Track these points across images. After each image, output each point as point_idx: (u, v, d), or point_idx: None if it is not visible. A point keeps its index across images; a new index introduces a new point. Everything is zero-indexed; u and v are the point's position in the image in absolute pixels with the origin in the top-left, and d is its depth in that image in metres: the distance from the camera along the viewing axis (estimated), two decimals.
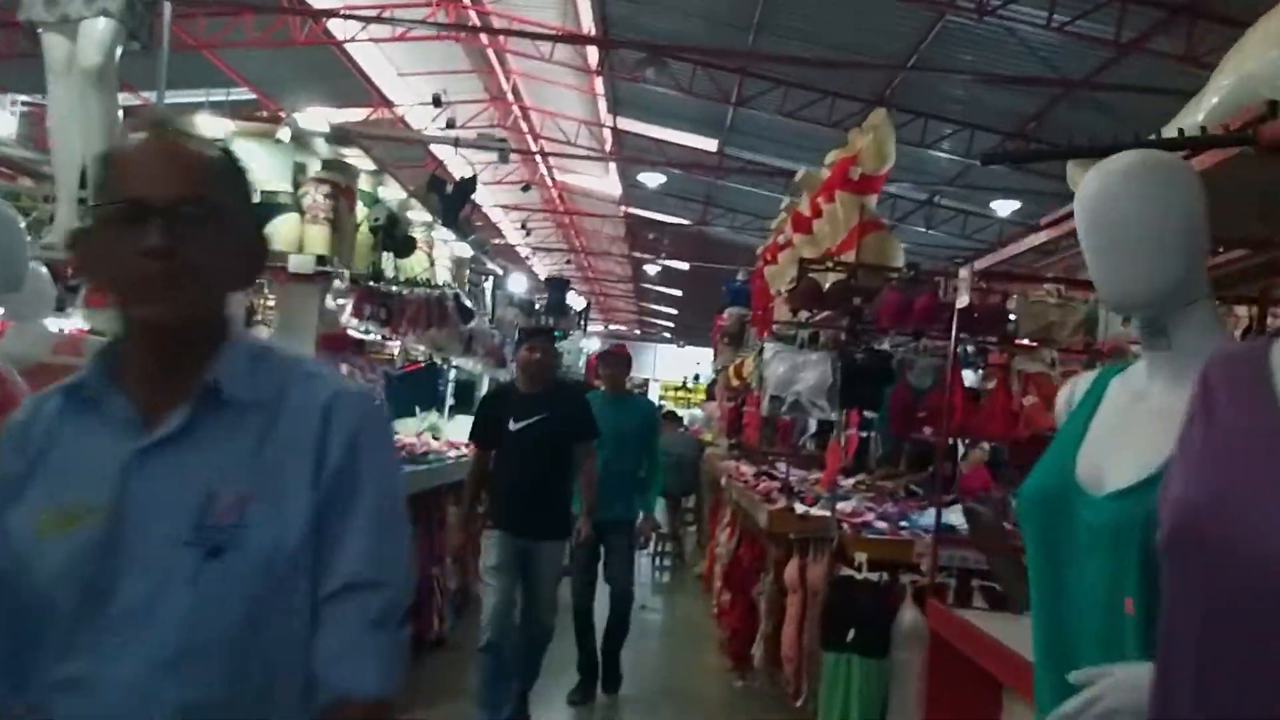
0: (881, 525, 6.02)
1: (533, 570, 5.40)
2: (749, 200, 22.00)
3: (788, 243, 8.01)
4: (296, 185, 6.03)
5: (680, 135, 19.50)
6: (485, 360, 8.61)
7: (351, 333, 6.26)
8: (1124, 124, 13.98)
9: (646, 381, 29.30)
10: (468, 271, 9.59)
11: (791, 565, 5.64)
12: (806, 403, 5.65)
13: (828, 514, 6.07)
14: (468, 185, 8.13)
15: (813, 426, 11.15)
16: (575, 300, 18.07)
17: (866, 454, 9.95)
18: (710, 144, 19.55)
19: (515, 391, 5.66)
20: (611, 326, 40.45)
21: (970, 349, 5.88)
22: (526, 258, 28.37)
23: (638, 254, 29.88)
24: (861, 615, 5.33)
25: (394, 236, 6.22)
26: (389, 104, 19.89)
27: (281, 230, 5.92)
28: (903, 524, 6.20)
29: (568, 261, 29.01)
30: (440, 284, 6.58)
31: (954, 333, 4.86)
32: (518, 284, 12.47)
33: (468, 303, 7.52)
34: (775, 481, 8.82)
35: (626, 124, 20.13)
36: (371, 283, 6.24)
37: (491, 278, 10.74)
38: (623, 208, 25.42)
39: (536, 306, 14.83)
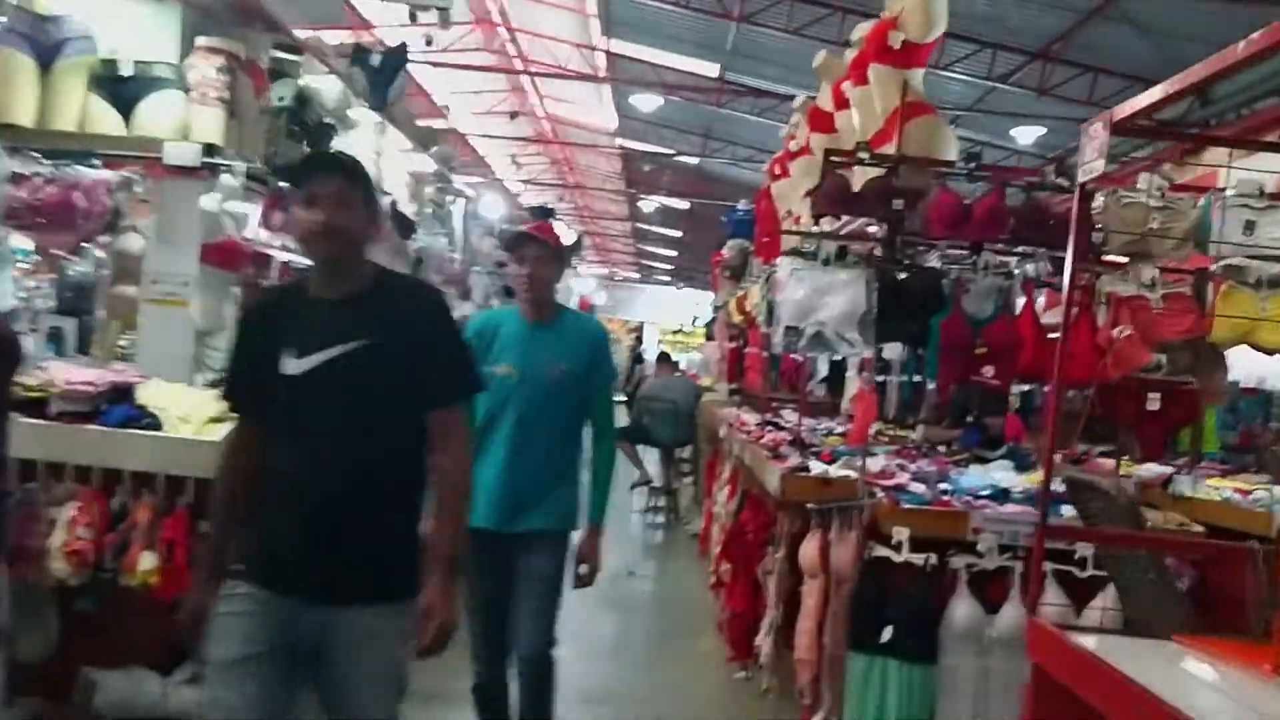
0: (919, 489, 4.76)
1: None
2: (752, 131, 20.51)
3: (802, 149, 6.67)
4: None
5: (678, 59, 18.00)
6: (446, 289, 7.28)
7: (258, 247, 4.95)
8: (1161, 44, 12.62)
9: (642, 325, 28.01)
10: (428, 190, 8.24)
11: (809, 542, 4.38)
12: (832, 335, 4.36)
13: (854, 475, 4.82)
14: (397, 56, 6.76)
15: (823, 369, 9.90)
16: (564, 232, 16.71)
17: (883, 399, 8.84)
18: (711, 68, 18.07)
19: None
20: (609, 270, 39.09)
21: (1045, 266, 4.59)
22: (518, 195, 26.91)
23: (634, 191, 28.46)
24: (901, 609, 4.10)
25: (304, 123, 4.89)
26: (367, 25, 18.35)
27: (159, 111, 4.60)
28: (942, 486, 4.95)
29: (560, 198, 27.54)
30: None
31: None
32: (493, 208, 11.09)
33: (407, 213, 6.22)
34: (783, 432, 7.57)
35: (621, 47, 18.62)
36: (286, 185, 4.90)
37: (461, 200, 9.38)
38: (618, 140, 23.92)
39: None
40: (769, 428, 7.85)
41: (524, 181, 25.70)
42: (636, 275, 39.43)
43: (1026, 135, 16.62)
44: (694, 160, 24.27)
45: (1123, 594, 2.79)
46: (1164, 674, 2.28)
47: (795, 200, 7.09)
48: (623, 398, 23.30)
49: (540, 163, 27.10)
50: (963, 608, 4.07)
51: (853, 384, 9.17)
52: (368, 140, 6.97)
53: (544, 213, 15.21)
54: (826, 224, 4.86)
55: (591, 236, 32.35)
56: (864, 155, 4.43)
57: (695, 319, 24.20)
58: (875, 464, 5.51)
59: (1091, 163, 2.52)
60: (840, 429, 8.55)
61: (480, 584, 3.76)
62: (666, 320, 29.61)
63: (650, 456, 10.78)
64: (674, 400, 10.21)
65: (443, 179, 8.88)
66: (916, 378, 8.82)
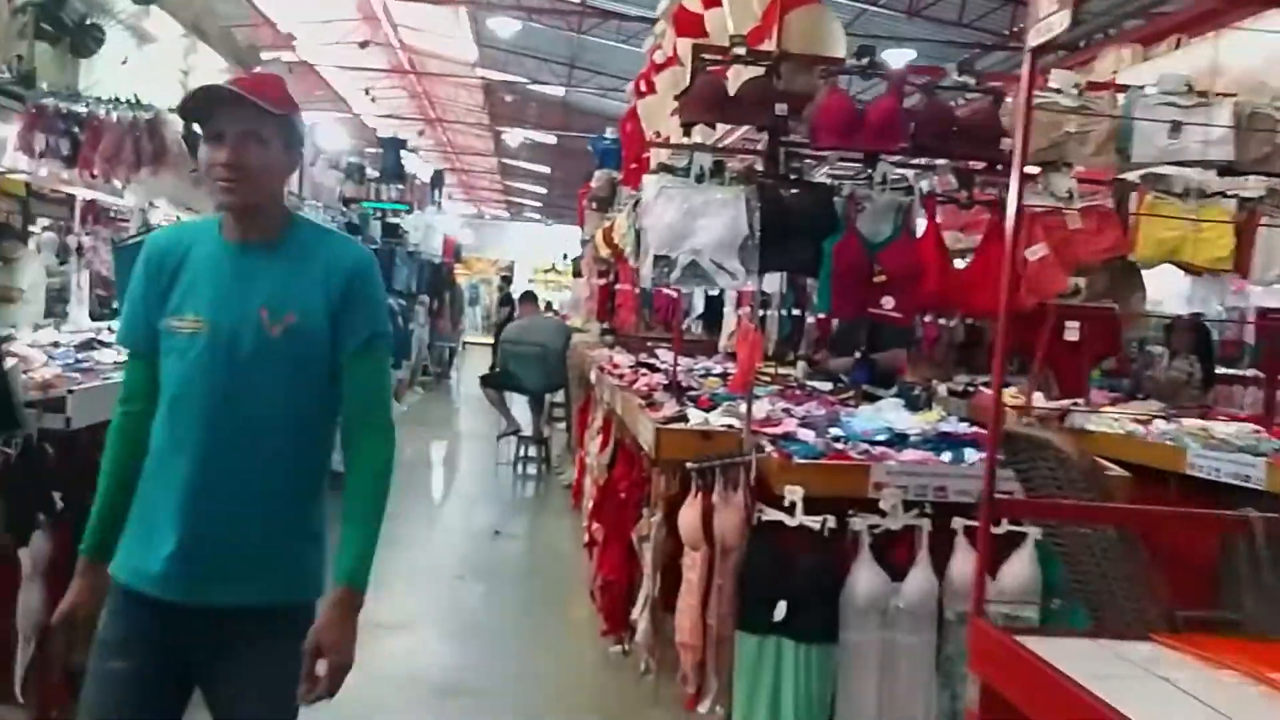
0: (808, 438, 4.18)
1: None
2: (619, 60, 19.64)
3: (670, 60, 5.96)
4: None
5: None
6: None
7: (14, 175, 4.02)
8: None
9: (513, 265, 27.06)
10: None
11: (689, 508, 3.75)
12: (709, 265, 3.70)
13: (738, 424, 4.22)
14: None
15: (700, 304, 9.31)
16: (420, 166, 15.66)
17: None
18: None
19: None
20: (477, 209, 37.79)
21: (948, 179, 4.01)
22: (375, 131, 25.49)
23: (498, 127, 27.27)
24: (796, 581, 3.52)
25: (59, 22, 3.97)
26: None
27: None
28: (833, 432, 4.40)
29: (420, 133, 26.21)
30: (152, 105, 4.33)
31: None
32: (333, 139, 10.07)
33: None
34: (658, 375, 6.95)
35: None
36: (50, 100, 4.00)
37: None
38: (478, 70, 22.73)
39: (367, 171, 12.46)
40: (643, 370, 7.22)
41: (382, 117, 24.30)
42: (506, 213, 38.23)
43: (897, 59, 16.19)
44: (559, 92, 23.29)
45: (1080, 583, 2.21)
46: (1152, 695, 1.71)
47: (663, 119, 6.39)
48: (488, 342, 22.49)
49: (398, 97, 25.68)
50: (865, 576, 3.51)
51: (731, 320, 8.60)
52: (172, 57, 6.01)
53: (396, 144, 14.20)
54: (699, 135, 4.17)
55: (456, 174, 31.08)
56: (740, 51, 3.75)
57: (565, 256, 23.39)
58: (759, 410, 4.95)
59: (1048, 17, 1.87)
60: (719, 370, 8.00)
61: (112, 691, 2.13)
62: (538, 259, 28.69)
63: (519, 404, 10.05)
64: (540, 343, 9.46)
65: None
66: (796, 311, 8.33)
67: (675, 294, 8.92)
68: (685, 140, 4.06)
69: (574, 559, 6.49)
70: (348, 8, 20.44)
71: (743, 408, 4.90)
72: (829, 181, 3.96)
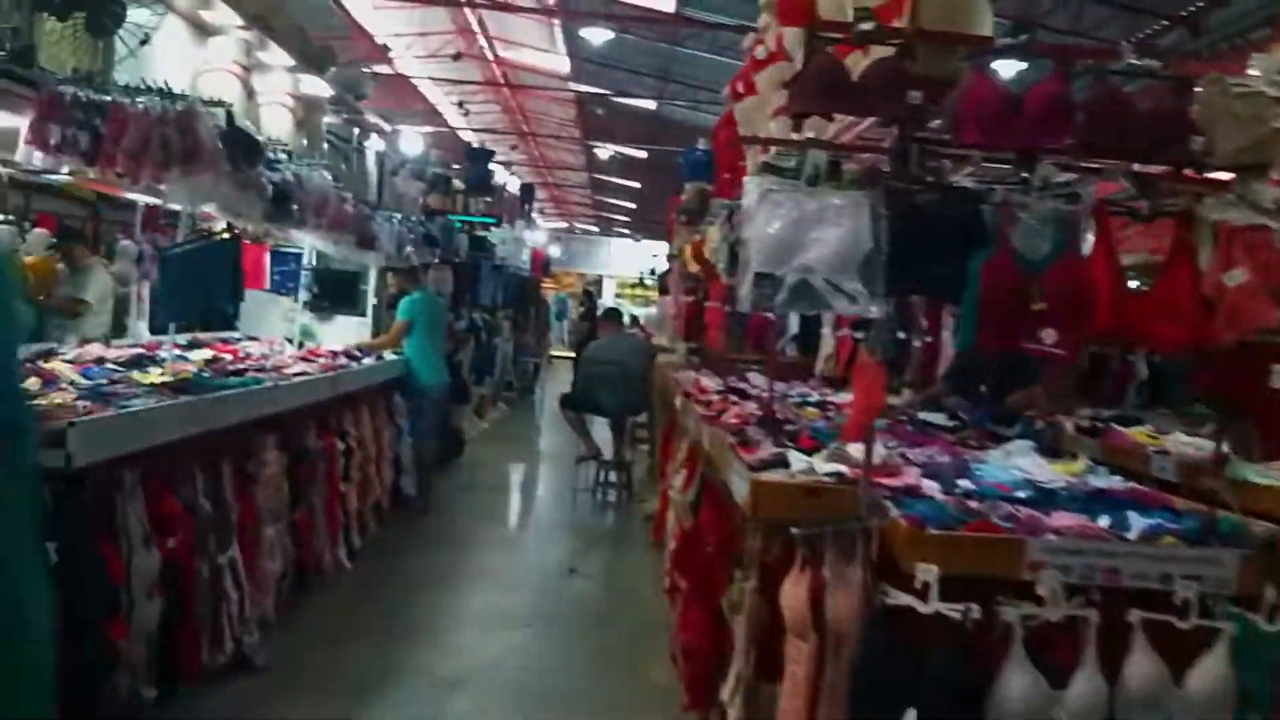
0: (933, 491, 3.43)
1: None
2: (712, 71, 18.97)
3: (773, 55, 5.23)
4: None
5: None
6: (332, 235, 5.82)
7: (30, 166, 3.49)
8: None
9: (600, 279, 26.52)
10: (323, 119, 6.74)
11: (795, 584, 3.02)
12: (824, 287, 2.98)
13: (848, 473, 3.49)
14: None
15: (794, 325, 8.56)
16: (509, 179, 15.15)
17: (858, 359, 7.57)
18: (667, 2, 16.48)
19: None
20: (568, 224, 37.41)
21: (1119, 183, 3.22)
22: (469, 144, 25.19)
23: (590, 142, 26.79)
24: (929, 682, 2.76)
25: None
26: None
27: None
28: (962, 484, 3.64)
29: (514, 147, 25.86)
30: (186, 94, 3.75)
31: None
32: (412, 145, 9.55)
33: (254, 131, 4.76)
34: (750, 402, 6.23)
35: None
36: (65, 88, 3.45)
37: (374, 136, 7.87)
38: (571, 84, 22.25)
39: (454, 182, 11.94)
40: (732, 398, 6.50)
41: (475, 131, 23.97)
42: (595, 228, 37.76)
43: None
44: (651, 105, 22.68)
45: None
46: None
47: (764, 122, 5.66)
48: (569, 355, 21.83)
49: (491, 111, 25.36)
50: (1018, 680, 2.74)
51: (829, 342, 7.86)
52: (229, 51, 5.49)
53: (484, 155, 13.72)
54: (812, 130, 3.44)
55: (547, 188, 30.72)
56: (866, 27, 3.02)
57: (653, 270, 22.74)
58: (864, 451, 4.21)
59: None
60: (816, 397, 7.25)
61: None
62: (625, 273, 28.08)
63: (601, 425, 9.38)
64: (620, 362, 8.80)
65: (346, 107, 7.38)
66: (901, 334, 7.60)
67: (768, 315, 8.19)
68: (795, 136, 3.34)
69: (654, 605, 5.79)
70: (442, 20, 20.16)
71: (854, 452, 4.16)
72: (973, 185, 3.20)
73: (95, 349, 5.60)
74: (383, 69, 19.40)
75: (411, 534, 7.28)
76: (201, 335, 7.53)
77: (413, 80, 20.82)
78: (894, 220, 2.95)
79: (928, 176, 3.19)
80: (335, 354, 7.11)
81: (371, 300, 8.36)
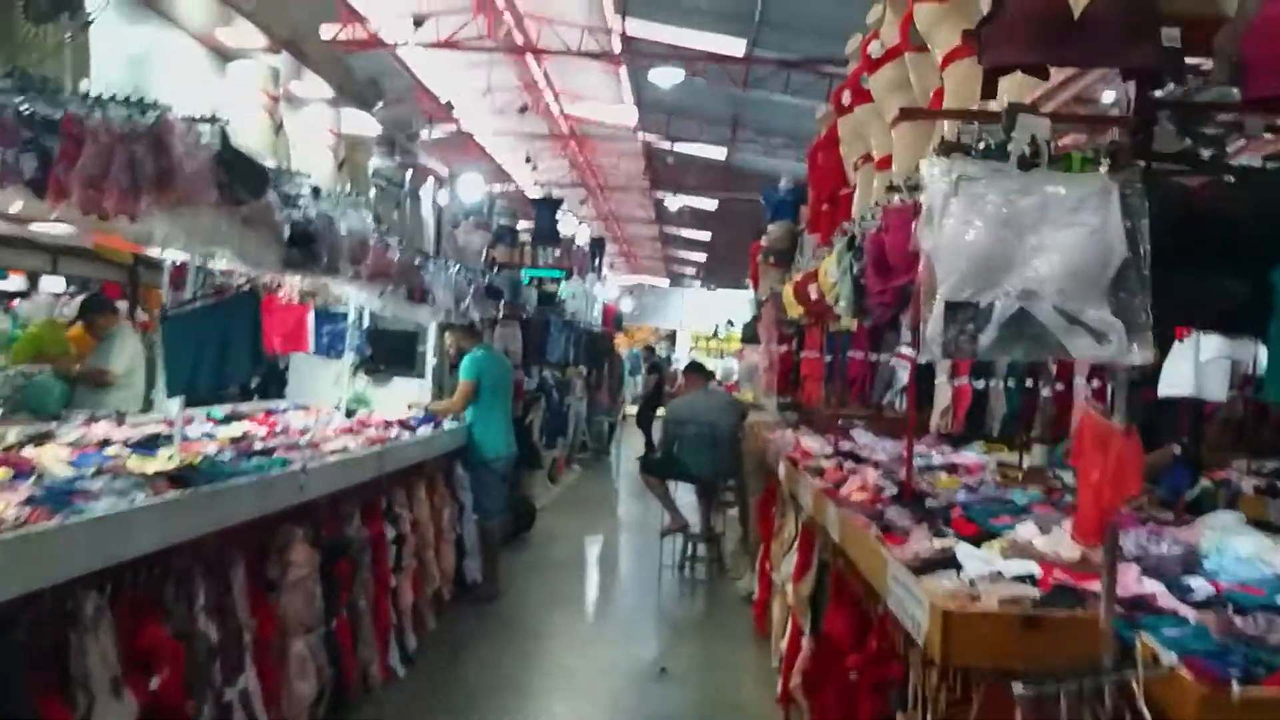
0: (1166, 599, 2.37)
1: None
2: (783, 116, 18.06)
3: (892, 50, 4.27)
4: None
5: (701, 36, 15.53)
6: (374, 286, 4.90)
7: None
8: None
9: (674, 332, 25.56)
10: (374, 161, 5.90)
11: None
12: (1053, 317, 1.92)
13: (1038, 573, 2.43)
14: None
15: (903, 375, 7.46)
16: (578, 229, 14.28)
17: (984, 413, 6.65)
18: (736, 45, 15.63)
19: None
20: (636, 278, 36.60)
21: None
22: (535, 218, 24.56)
23: (658, 193, 26.01)
24: None
25: None
26: (360, 18, 16.04)
27: None
28: (1191, 583, 2.61)
29: (582, 201, 25.17)
30: (157, 104, 2.82)
31: None
32: (472, 191, 8.67)
33: (262, 156, 3.89)
34: (867, 468, 5.20)
35: (638, 28, 16.22)
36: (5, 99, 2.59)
37: (430, 180, 7.02)
38: (640, 135, 21.49)
39: (520, 234, 11.08)
40: (847, 462, 5.43)
41: (542, 185, 23.33)
42: (665, 280, 36.90)
43: None
44: (720, 154, 21.82)
45: None
46: None
47: (881, 131, 4.67)
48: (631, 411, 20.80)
49: (560, 168, 24.73)
50: None
51: (945, 392, 6.73)
52: (253, 79, 4.65)
53: (552, 204, 12.90)
54: (1011, 92, 2.41)
55: (617, 242, 29.97)
56: None
57: (730, 321, 21.71)
58: (1042, 538, 3.21)
59: None
60: (939, 459, 6.18)
61: None
62: (699, 325, 27.07)
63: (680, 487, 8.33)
64: (710, 422, 7.75)
65: (401, 152, 6.54)
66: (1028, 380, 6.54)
67: (869, 361, 7.17)
68: (986, 103, 2.31)
69: (765, 716, 4.69)
70: (507, 77, 19.60)
71: (1043, 546, 3.08)
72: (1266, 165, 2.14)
73: (102, 428, 4.74)
74: (449, 128, 18.90)
75: (477, 627, 6.28)
76: (243, 406, 6.71)
77: (477, 139, 20.22)
78: (1158, 218, 1.90)
79: (1198, 153, 2.14)
80: (388, 423, 6.19)
81: (431, 361, 7.47)
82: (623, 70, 18.59)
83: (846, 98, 5.24)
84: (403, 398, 7.36)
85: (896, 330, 7.52)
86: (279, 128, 4.80)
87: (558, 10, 16.64)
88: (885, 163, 4.69)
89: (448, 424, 6.78)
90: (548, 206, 11.81)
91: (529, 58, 18.78)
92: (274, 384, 7.73)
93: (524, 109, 17.41)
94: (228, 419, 6.01)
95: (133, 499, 3.05)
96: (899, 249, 3.07)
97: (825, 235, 6.34)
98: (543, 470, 11.08)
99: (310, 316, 6.07)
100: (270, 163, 4.09)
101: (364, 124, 5.81)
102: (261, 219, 3.46)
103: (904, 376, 7.51)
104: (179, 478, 3.57)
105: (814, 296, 5.01)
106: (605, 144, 23.70)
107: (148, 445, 4.42)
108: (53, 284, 8.29)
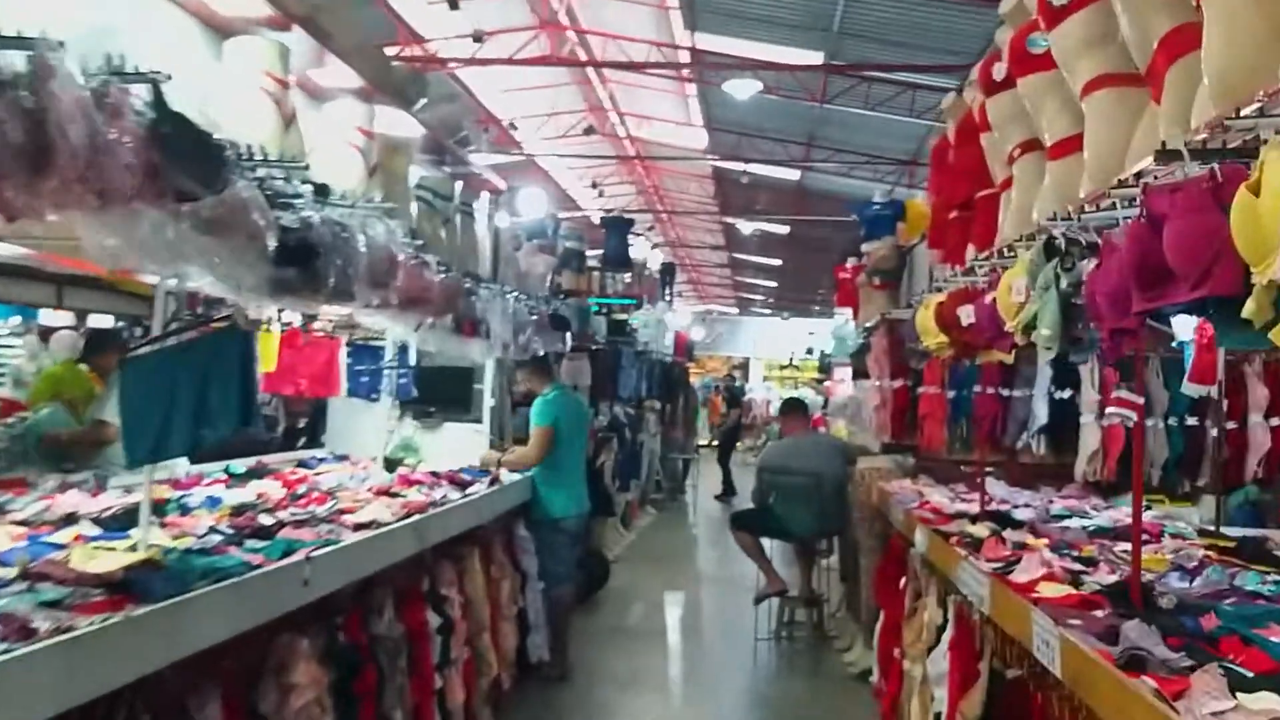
0: None
1: None
2: (862, 132, 16.89)
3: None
4: None
5: (775, 50, 14.42)
6: (409, 316, 3.83)
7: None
8: None
9: (747, 361, 24.33)
10: (409, 167, 4.90)
11: None
12: None
13: None
14: None
15: (1043, 411, 6.28)
16: (649, 253, 13.18)
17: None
18: (814, 57, 14.51)
19: None
20: (704, 306, 35.45)
21: None
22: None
23: (728, 219, 24.90)
24: None
25: None
26: (419, 39, 15.23)
27: None
28: None
29: (650, 228, 24.16)
30: (37, 39, 1.82)
31: None
32: (533, 207, 7.57)
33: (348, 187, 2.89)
34: (1026, 534, 4.06)
35: (707, 41, 15.19)
36: None
37: (487, 195, 6.01)
38: (710, 158, 20.43)
39: (587, 257, 10.02)
40: (1009, 533, 4.25)
41: (607, 211, 22.40)
42: (735, 309, 35.69)
43: None
44: (794, 175, 20.67)
45: None
46: None
47: (1060, 105, 3.52)
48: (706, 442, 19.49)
49: (626, 194, 23.77)
50: None
51: (1093, 434, 5.54)
52: (256, 57, 3.65)
53: (622, 225, 11.86)
54: None
55: (685, 269, 28.89)
56: None
57: (810, 350, 20.44)
58: None
59: None
60: (1099, 515, 5.04)
61: None
62: (771, 355, 25.74)
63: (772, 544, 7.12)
64: (814, 471, 6.54)
65: (448, 156, 5.53)
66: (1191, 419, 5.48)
67: (1000, 397, 6.02)
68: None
69: None
70: (573, 99, 18.72)
71: None
72: None
73: (71, 499, 3.75)
74: (515, 156, 18.02)
75: (544, 717, 5.17)
76: (271, 458, 5.71)
77: (540, 163, 19.33)
78: None
79: None
80: (436, 478, 5.14)
81: (489, 402, 6.42)
82: (691, 88, 17.59)
83: (999, 71, 4.08)
84: (457, 444, 6.32)
85: (1033, 363, 6.30)
86: (290, 122, 3.79)
87: (623, 25, 15.71)
88: (1068, 146, 3.54)
89: (506, 475, 5.72)
90: (618, 227, 10.76)
91: (594, 79, 17.90)
92: (313, 430, 6.76)
93: (589, 130, 16.43)
94: (247, 475, 5.02)
95: (32, 631, 2.00)
96: (1187, 243, 1.93)
97: (953, 251, 5.18)
98: (615, 517, 9.97)
99: (342, 353, 5.05)
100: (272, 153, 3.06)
101: (403, 124, 4.80)
102: (234, 224, 2.41)
103: (1042, 415, 6.29)
104: (129, 583, 2.54)
105: (967, 321, 3.84)
106: (673, 167, 22.71)
107: (124, 522, 3.41)
108: (98, 319, 7.45)
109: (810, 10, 13.15)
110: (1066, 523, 4.90)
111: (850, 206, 9.32)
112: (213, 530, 3.44)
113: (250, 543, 3.29)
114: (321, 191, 3.12)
